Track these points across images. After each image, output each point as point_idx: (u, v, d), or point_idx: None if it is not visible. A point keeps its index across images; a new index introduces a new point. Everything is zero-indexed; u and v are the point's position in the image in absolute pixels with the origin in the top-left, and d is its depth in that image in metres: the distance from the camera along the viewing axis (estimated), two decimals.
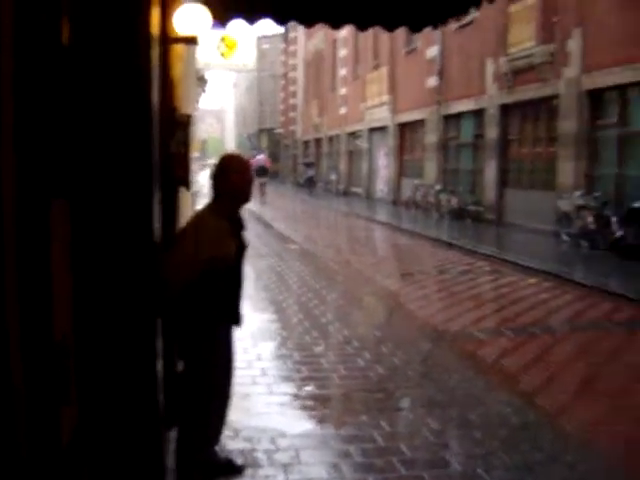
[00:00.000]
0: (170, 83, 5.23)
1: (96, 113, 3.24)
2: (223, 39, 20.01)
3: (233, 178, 4.19)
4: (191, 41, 6.24)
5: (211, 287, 4.08)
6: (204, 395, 4.21)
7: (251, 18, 5.18)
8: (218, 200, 4.23)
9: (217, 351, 4.22)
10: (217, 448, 4.74)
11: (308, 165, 48.07)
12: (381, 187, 35.73)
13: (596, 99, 17.67)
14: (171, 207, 4.92)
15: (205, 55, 19.49)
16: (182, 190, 5.99)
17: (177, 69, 6.25)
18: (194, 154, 19.73)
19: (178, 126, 5.44)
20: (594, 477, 4.78)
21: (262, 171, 37.69)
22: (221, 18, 5.99)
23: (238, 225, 4.34)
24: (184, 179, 5.63)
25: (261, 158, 42.78)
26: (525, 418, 5.83)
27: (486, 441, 5.30)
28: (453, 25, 23.49)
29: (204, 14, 5.82)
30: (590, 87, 17.54)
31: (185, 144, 5.57)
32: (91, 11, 3.21)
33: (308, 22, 5.27)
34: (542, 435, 5.50)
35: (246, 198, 4.29)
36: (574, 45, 18.06)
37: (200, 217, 4.29)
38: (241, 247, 4.34)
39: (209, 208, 4.25)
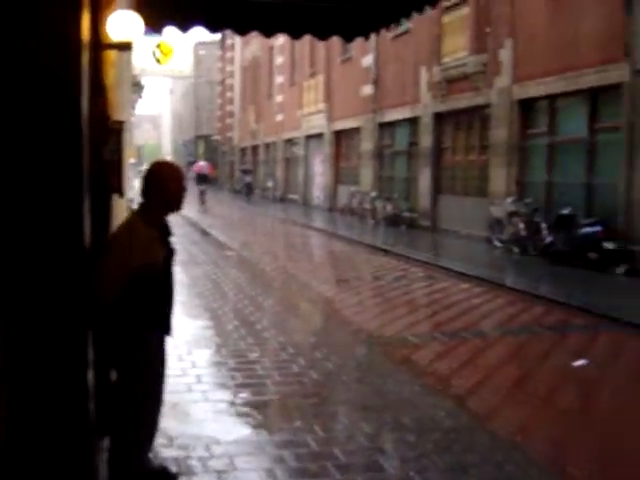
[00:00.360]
0: (103, 90, 5.19)
1: (23, 121, 3.21)
2: (159, 45, 19.90)
3: (165, 186, 4.15)
4: (124, 47, 6.20)
5: (141, 294, 4.06)
6: (136, 403, 4.19)
7: (184, 26, 5.18)
8: (148, 206, 4.20)
9: (148, 359, 4.19)
10: (151, 456, 4.72)
11: (246, 172, 47.48)
12: (317, 194, 35.86)
13: (527, 108, 18.09)
14: (104, 214, 4.87)
15: (141, 61, 19.35)
16: (116, 197, 5.94)
17: (110, 75, 6.20)
18: (130, 160, 19.56)
19: (111, 133, 5.40)
20: (521, 476, 4.89)
21: (203, 178, 37.37)
22: (155, 25, 5.99)
23: (166, 232, 4.32)
24: (117, 186, 5.58)
25: (203, 165, 42.02)
26: (457, 421, 5.94)
27: (419, 444, 5.38)
28: (388, 34, 23.74)
29: (137, 20, 5.80)
30: (521, 97, 17.95)
31: (119, 151, 5.53)
32: (21, 14, 3.18)
33: (241, 30, 5.31)
34: (474, 437, 5.61)
35: (177, 206, 4.25)
36: (506, 55, 18.46)
37: (130, 223, 4.24)
38: (169, 254, 4.31)
39: (139, 214, 4.21)
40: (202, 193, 35.80)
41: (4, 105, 3.13)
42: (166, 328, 4.39)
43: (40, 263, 3.30)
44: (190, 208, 31.54)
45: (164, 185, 4.15)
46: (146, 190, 4.19)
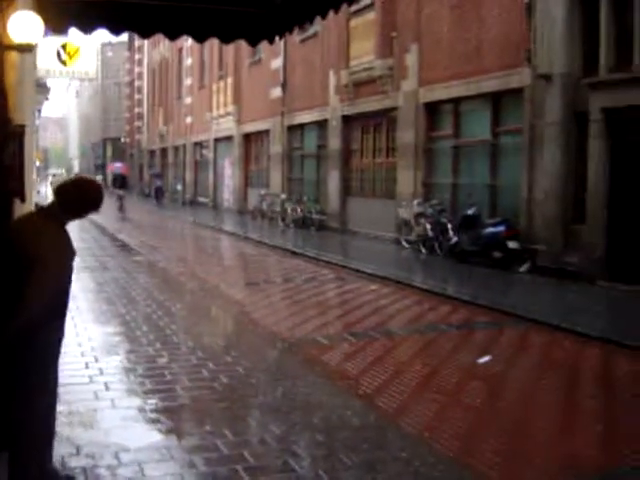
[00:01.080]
0: (2, 92, 5.08)
1: None
2: (64, 46, 19.47)
3: (85, 205, 4.25)
4: (26, 49, 6.08)
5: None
6: (30, 408, 4.10)
7: (86, 28, 5.11)
8: (60, 211, 4.18)
9: (36, 363, 4.10)
10: (58, 466, 4.64)
11: (156, 175, 46.97)
12: (227, 197, 35.76)
13: (433, 111, 18.50)
14: (4, 219, 4.77)
15: (46, 62, 18.90)
16: (17, 202, 5.81)
17: (11, 77, 6.06)
18: (36, 164, 19.07)
19: (11, 137, 5.29)
20: (429, 471, 5.00)
21: (121, 181, 35.14)
22: (57, 26, 5.89)
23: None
24: (18, 191, 5.47)
25: (119, 166, 41.07)
26: (366, 419, 6.03)
27: (328, 443, 5.44)
28: (296, 37, 23.90)
29: (37, 22, 5.69)
30: (427, 100, 18.35)
31: (20, 155, 5.42)
32: None
33: (144, 33, 5.27)
34: (382, 435, 5.71)
35: (80, 217, 4.37)
36: (412, 60, 18.83)
37: (46, 227, 4.16)
38: (71, 252, 4.30)
39: (49, 215, 4.17)
40: (120, 198, 33.03)
41: None
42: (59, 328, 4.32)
43: None
44: (105, 214, 31.01)
45: (83, 203, 4.24)
46: (65, 200, 4.19)
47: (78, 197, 4.23)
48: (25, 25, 5.81)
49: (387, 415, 6.23)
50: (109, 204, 33.16)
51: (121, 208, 32.29)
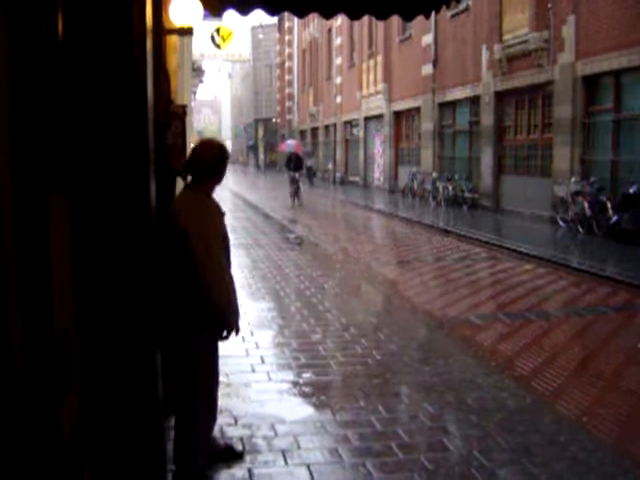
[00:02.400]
0: (165, 75, 5.27)
1: (91, 106, 3.27)
2: (218, 30, 20.01)
3: (207, 164, 4.30)
4: (186, 32, 6.29)
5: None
6: (198, 381, 4.27)
7: (244, 9, 5.20)
8: (200, 182, 4.33)
9: (204, 335, 4.25)
10: (217, 435, 4.81)
11: (307, 155, 46.79)
12: (378, 175, 35.77)
13: (591, 85, 17.71)
14: (168, 199, 4.96)
15: (201, 46, 19.52)
16: (179, 181, 6.03)
17: (172, 60, 6.29)
18: (190, 145, 19.78)
19: (174, 118, 5.48)
20: (586, 457, 4.84)
21: (296, 161, 27.85)
22: (215, 9, 6.04)
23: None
24: (181, 170, 5.67)
25: (291, 143, 37.36)
26: (521, 402, 5.90)
27: (483, 424, 5.36)
28: (447, 13, 23.52)
29: (197, 5, 5.87)
30: (585, 73, 17.58)
31: (182, 135, 5.61)
32: (85, 3, 3.24)
33: (300, 12, 5.30)
34: (538, 418, 5.57)
35: (219, 179, 4.42)
36: (568, 31, 18.09)
37: (197, 200, 4.32)
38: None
39: (195, 189, 4.33)
40: (293, 181, 26.94)
41: (73, 93, 3.20)
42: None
43: (110, 247, 3.38)
44: (276, 200, 31.63)
45: (205, 160, 4.30)
46: (192, 166, 4.36)
47: (198, 159, 4.31)
48: (185, 9, 6.01)
49: (543, 398, 6.08)
50: (280, 188, 32.99)
51: (296, 194, 26.70)
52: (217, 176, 4.36)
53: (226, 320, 4.16)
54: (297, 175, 26.96)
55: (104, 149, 3.32)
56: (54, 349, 2.79)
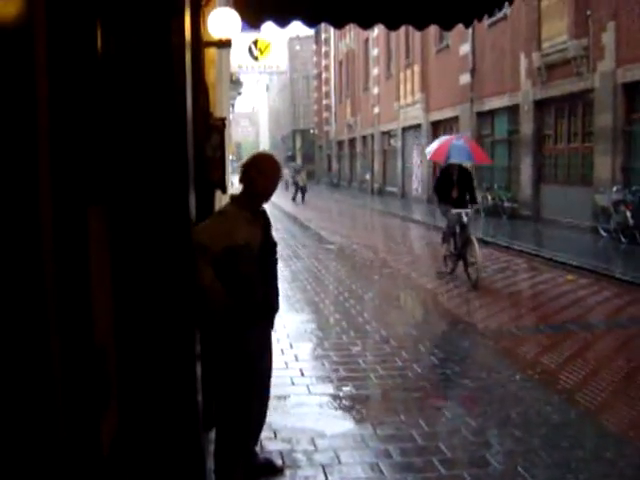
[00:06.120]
0: (204, 87, 5.28)
1: (131, 120, 3.28)
2: (256, 42, 20.14)
3: (257, 177, 4.19)
4: (224, 44, 6.29)
5: (234, 281, 4.09)
6: (240, 396, 4.23)
7: (282, 21, 5.20)
8: (243, 194, 4.26)
9: (249, 350, 4.21)
10: (257, 449, 4.78)
11: (296, 171, 41.87)
12: (416, 186, 35.62)
13: (632, 92, 17.46)
14: (208, 211, 4.96)
15: (238, 58, 19.63)
16: (218, 193, 6.04)
17: (211, 73, 6.31)
18: (229, 157, 19.86)
19: (213, 130, 5.49)
20: (634, 473, 4.72)
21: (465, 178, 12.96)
22: (253, 21, 6.04)
23: (262, 219, 4.33)
24: (220, 182, 5.67)
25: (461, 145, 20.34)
26: (565, 416, 5.78)
27: (526, 439, 5.27)
28: (485, 21, 23.37)
29: (235, 18, 5.87)
30: (625, 80, 17.33)
31: (221, 148, 5.61)
32: (125, 16, 3.25)
33: (338, 23, 5.29)
34: (582, 433, 5.45)
35: (267, 197, 4.29)
36: (608, 38, 17.86)
37: (221, 210, 4.33)
38: (268, 242, 4.33)
39: (232, 200, 4.28)
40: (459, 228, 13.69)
41: (113, 107, 3.21)
42: (266, 315, 4.42)
43: (150, 259, 3.37)
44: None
45: (254, 175, 4.19)
46: (241, 179, 4.25)
47: (252, 174, 4.21)
48: (223, 21, 6.02)
49: (588, 412, 5.95)
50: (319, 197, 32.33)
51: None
52: (261, 191, 4.23)
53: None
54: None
55: (144, 162, 3.32)
56: (94, 363, 2.78)
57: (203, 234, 3.98)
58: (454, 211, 12.23)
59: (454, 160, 12.47)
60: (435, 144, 13.72)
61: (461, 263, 12.31)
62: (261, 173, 4.19)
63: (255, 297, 4.20)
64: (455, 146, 12.66)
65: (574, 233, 18.52)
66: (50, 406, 2.42)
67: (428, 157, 14.00)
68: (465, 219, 12.15)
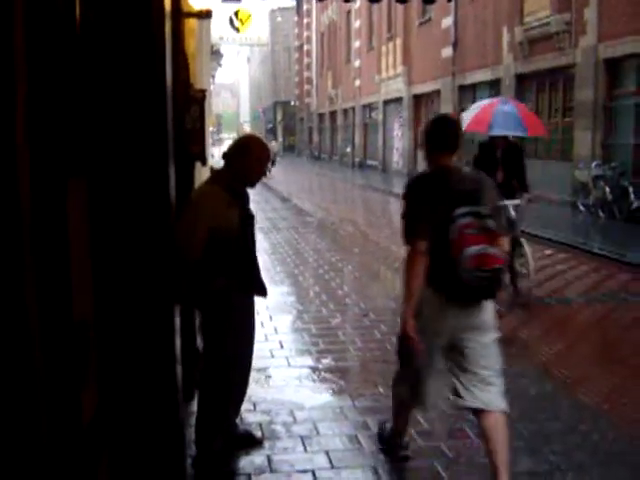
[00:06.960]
0: (184, 58, 5.22)
1: (110, 90, 3.24)
2: (237, 13, 19.97)
3: (249, 162, 4.19)
4: (204, 15, 6.22)
5: (219, 258, 4.09)
6: (222, 367, 4.25)
7: None
8: (227, 174, 4.24)
9: (233, 322, 4.22)
10: (237, 421, 4.80)
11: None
12: (396, 159, 35.60)
13: (613, 68, 17.48)
14: (187, 183, 4.93)
15: (219, 29, 19.47)
16: (198, 165, 6.00)
17: (191, 44, 6.24)
18: (209, 129, 19.79)
19: (193, 101, 5.44)
20: (608, 446, 4.77)
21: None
22: None
23: (241, 197, 4.32)
24: (200, 154, 5.64)
25: (509, 111, 9.87)
26: (541, 388, 5.87)
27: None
28: None
29: None
30: (607, 56, 17.34)
31: (201, 119, 5.57)
32: None
33: None
34: (558, 405, 5.52)
35: (253, 183, 4.33)
36: (591, 14, 17.83)
37: (201, 189, 4.34)
38: (246, 217, 4.33)
39: (217, 179, 4.27)
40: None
41: (92, 77, 3.17)
42: (259, 289, 4.49)
43: (129, 232, 3.35)
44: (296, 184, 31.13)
45: (246, 159, 4.19)
46: (230, 159, 4.22)
47: (240, 157, 4.21)
48: None
49: (564, 385, 6.02)
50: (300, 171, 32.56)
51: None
52: (247, 174, 4.25)
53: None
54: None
55: (123, 133, 3.29)
56: (73, 336, 2.77)
57: (191, 217, 4.03)
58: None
59: (499, 131, 9.29)
60: (473, 110, 10.33)
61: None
62: (246, 157, 4.20)
63: (240, 273, 4.23)
64: (501, 112, 9.40)
65: (553, 208, 18.60)
66: (29, 377, 2.42)
67: (464, 127, 8.80)
68: (513, 213, 9.04)
